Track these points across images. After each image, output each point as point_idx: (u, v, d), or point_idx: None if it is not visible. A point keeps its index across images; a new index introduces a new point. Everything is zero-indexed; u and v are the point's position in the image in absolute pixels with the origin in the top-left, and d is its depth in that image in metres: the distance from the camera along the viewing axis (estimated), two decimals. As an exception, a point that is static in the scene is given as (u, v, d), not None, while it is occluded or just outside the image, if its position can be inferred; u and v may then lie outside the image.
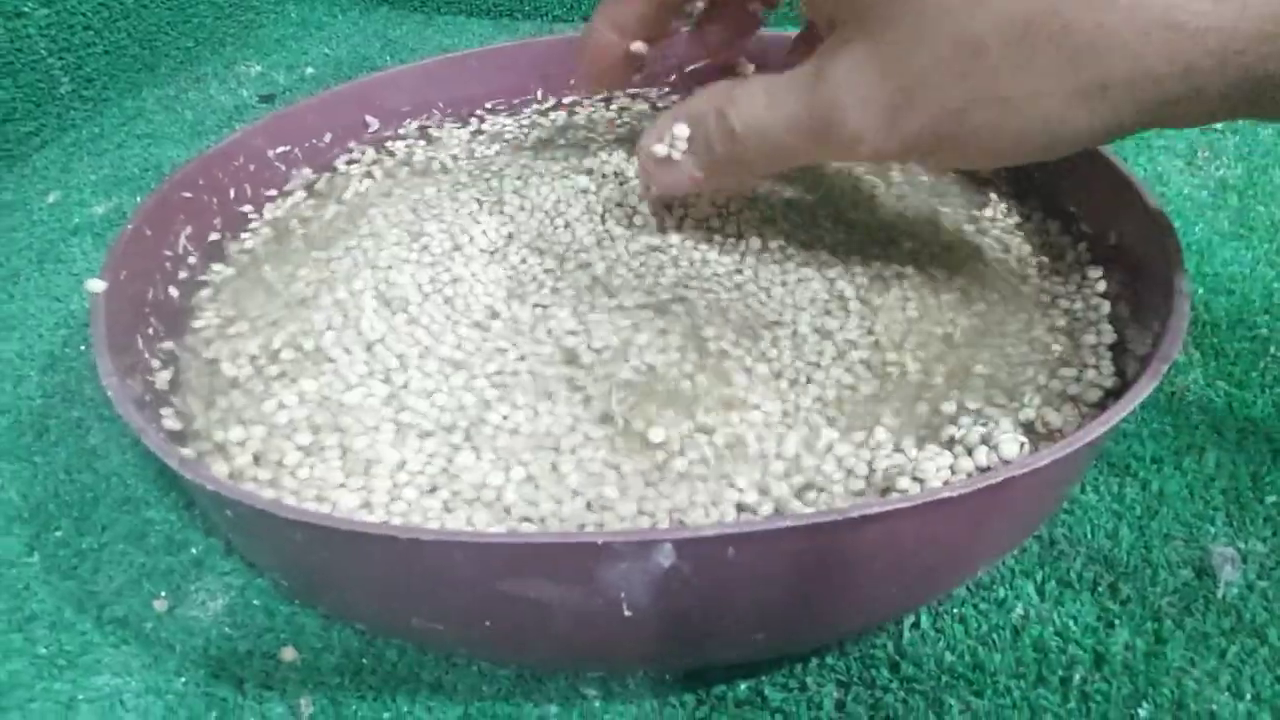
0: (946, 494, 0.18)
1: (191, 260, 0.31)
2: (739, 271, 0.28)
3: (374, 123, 0.39)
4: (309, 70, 0.56)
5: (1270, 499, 0.26)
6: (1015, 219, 0.32)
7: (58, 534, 0.27)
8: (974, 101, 0.21)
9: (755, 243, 0.29)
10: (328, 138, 0.37)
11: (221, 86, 0.54)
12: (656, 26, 0.30)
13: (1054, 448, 0.19)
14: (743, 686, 0.22)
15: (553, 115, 0.40)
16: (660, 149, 0.26)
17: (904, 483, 0.21)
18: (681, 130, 0.26)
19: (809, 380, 0.24)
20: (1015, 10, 0.20)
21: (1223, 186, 0.40)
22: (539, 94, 0.42)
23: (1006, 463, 0.21)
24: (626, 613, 0.19)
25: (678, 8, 0.30)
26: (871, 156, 0.23)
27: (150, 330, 0.28)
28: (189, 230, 0.31)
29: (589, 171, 0.33)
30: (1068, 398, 0.23)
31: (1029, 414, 0.23)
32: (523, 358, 0.26)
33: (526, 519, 0.21)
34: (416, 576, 0.19)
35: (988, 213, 0.32)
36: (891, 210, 0.31)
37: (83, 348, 0.34)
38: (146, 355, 0.27)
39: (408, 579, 0.19)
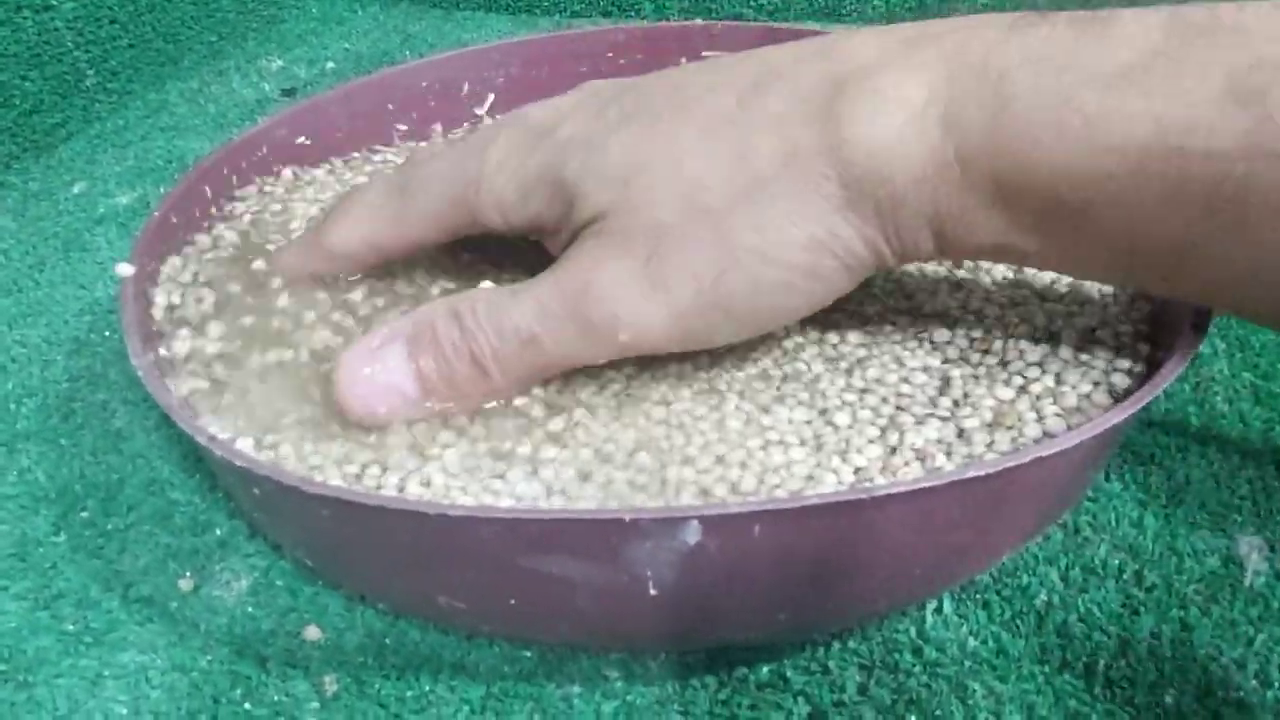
0: (971, 473, 0.18)
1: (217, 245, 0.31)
2: None
3: (399, 114, 0.39)
4: (330, 65, 0.57)
5: (1297, 489, 0.26)
6: None
7: (84, 514, 0.27)
8: (729, 262, 0.21)
9: None
10: (354, 129, 0.38)
11: (244, 80, 0.55)
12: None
13: (1074, 431, 0.19)
14: (764, 669, 0.22)
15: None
16: (365, 359, 0.22)
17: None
18: (399, 327, 0.23)
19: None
20: (738, 178, 0.21)
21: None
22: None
23: (1036, 442, 0.21)
24: (652, 591, 0.19)
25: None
26: (639, 343, 0.22)
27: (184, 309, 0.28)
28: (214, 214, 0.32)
29: None
30: (1096, 384, 0.23)
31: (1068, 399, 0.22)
32: None
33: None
34: (443, 553, 0.19)
35: None
36: None
37: (108, 333, 0.35)
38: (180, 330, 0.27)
39: (434, 555, 0.19)
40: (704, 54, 0.40)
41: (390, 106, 0.38)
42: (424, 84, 0.39)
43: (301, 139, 0.36)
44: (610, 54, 0.41)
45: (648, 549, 0.18)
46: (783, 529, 0.18)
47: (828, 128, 0.20)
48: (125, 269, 0.26)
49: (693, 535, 0.18)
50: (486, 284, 0.24)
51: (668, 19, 0.62)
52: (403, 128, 0.39)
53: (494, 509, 0.18)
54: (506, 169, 0.24)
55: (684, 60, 0.41)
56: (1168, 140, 0.18)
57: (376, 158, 0.38)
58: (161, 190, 0.44)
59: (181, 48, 0.55)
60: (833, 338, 0.25)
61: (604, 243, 0.22)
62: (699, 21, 0.42)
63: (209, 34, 0.56)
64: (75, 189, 0.44)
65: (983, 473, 0.18)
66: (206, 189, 0.32)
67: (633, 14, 0.62)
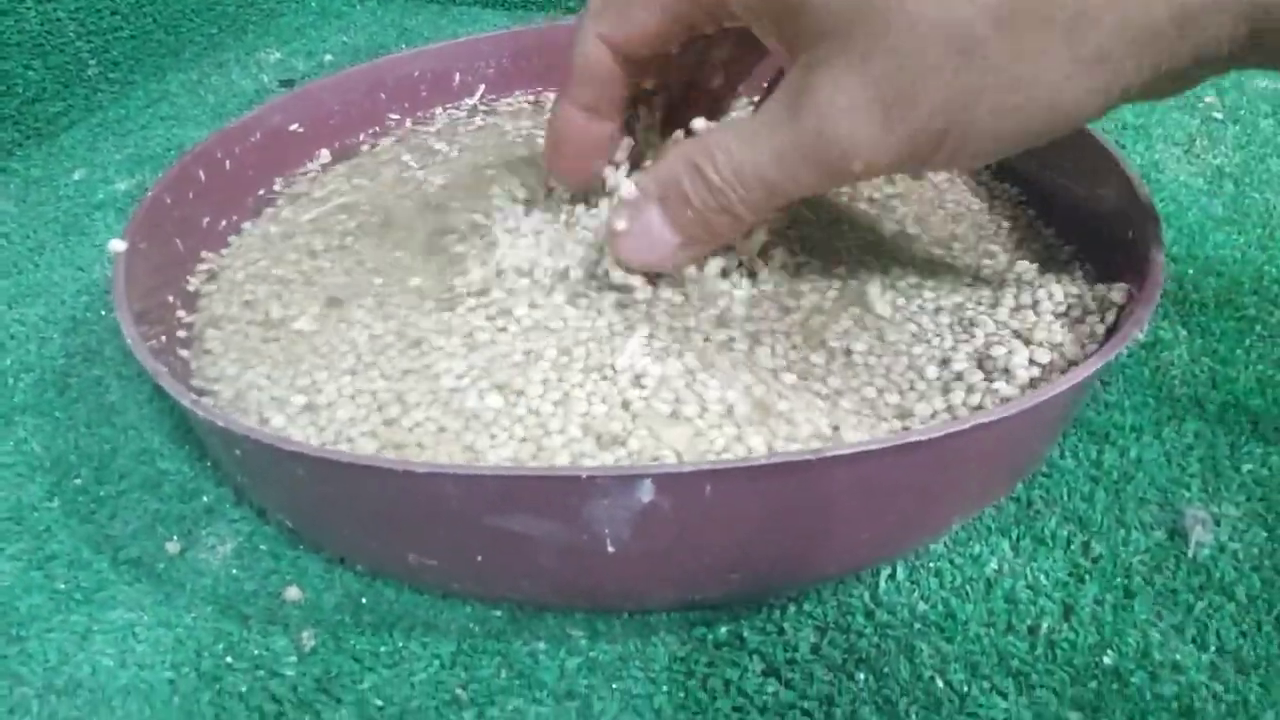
0: (913, 438, 0.19)
1: (208, 228, 0.32)
2: None
3: (392, 103, 0.40)
4: (328, 57, 0.58)
5: (1247, 467, 0.27)
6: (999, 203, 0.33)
7: (77, 482, 0.28)
8: (970, 92, 0.20)
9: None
10: (345, 117, 0.39)
11: (243, 72, 0.56)
12: (626, 108, 0.28)
13: (1018, 399, 0.20)
14: (723, 629, 0.23)
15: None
16: (622, 224, 0.25)
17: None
18: (648, 189, 0.24)
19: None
20: (999, 4, 0.19)
21: (1219, 174, 0.41)
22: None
23: (977, 409, 0.22)
24: (610, 548, 0.20)
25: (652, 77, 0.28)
26: (867, 171, 0.22)
27: (167, 288, 0.29)
28: (206, 199, 0.33)
29: None
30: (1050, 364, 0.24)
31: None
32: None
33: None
34: (411, 510, 0.20)
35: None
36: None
37: (103, 313, 0.36)
38: (163, 310, 0.28)
39: (403, 513, 0.20)
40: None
41: (382, 95, 0.39)
42: (415, 73, 0.40)
43: (295, 126, 0.37)
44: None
45: (604, 506, 0.19)
46: (732, 489, 0.19)
47: None
48: (118, 245, 0.27)
49: (646, 494, 0.19)
50: (699, 123, 0.25)
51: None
52: (395, 116, 0.41)
53: (457, 466, 0.19)
54: None
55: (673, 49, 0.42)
56: None
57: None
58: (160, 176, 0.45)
59: (182, 39, 0.56)
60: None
61: (840, 73, 0.21)
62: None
63: (209, 26, 0.57)
64: (76, 175, 0.46)
65: (924, 437, 0.19)
66: (200, 173, 0.33)
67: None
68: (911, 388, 0.24)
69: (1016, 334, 0.25)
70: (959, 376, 0.24)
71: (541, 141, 0.38)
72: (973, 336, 0.25)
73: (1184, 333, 0.32)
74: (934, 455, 0.20)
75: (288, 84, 0.55)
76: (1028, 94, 0.20)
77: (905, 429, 0.23)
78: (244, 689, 0.22)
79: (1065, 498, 0.26)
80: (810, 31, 0.21)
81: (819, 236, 0.30)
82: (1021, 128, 0.21)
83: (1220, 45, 0.19)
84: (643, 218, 0.24)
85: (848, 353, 0.25)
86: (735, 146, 0.23)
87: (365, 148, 0.39)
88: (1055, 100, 0.20)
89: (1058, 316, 0.25)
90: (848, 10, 0.20)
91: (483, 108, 0.42)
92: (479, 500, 0.19)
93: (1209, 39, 0.19)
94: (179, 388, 0.22)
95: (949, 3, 0.19)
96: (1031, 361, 0.24)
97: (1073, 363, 0.24)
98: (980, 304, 0.27)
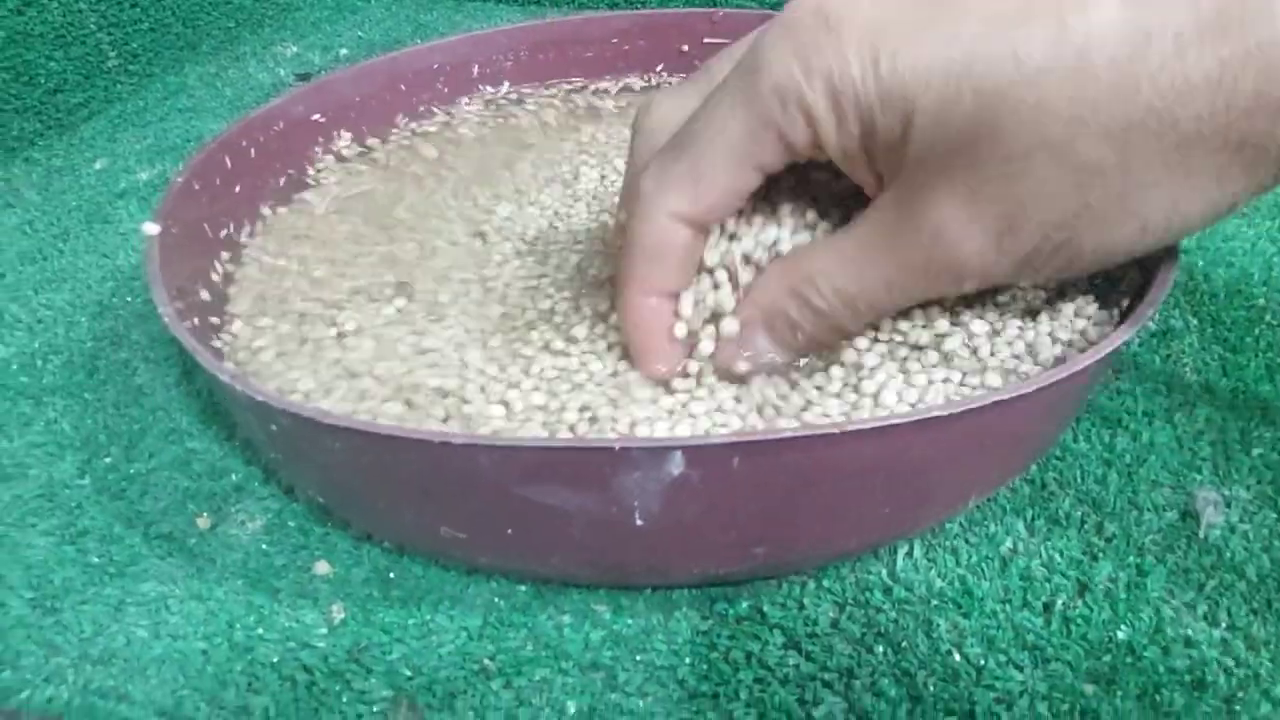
0: (936, 412, 0.19)
1: (237, 210, 0.33)
2: None
3: (411, 94, 0.41)
4: (343, 52, 0.58)
5: (1257, 451, 0.27)
6: None
7: (107, 460, 0.29)
8: (1083, 214, 0.20)
9: None
10: (366, 107, 0.39)
11: (259, 65, 0.57)
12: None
13: (1033, 379, 0.20)
14: (744, 604, 0.24)
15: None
16: (744, 365, 0.24)
17: None
18: (753, 318, 0.24)
19: None
20: (1114, 121, 0.18)
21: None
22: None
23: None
24: (638, 521, 0.20)
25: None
26: (977, 285, 0.22)
27: (196, 271, 0.30)
28: (234, 185, 0.33)
29: None
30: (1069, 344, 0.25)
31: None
32: None
33: None
34: (446, 482, 0.21)
35: None
36: None
37: (129, 298, 0.36)
38: (192, 292, 0.29)
39: (438, 484, 0.21)
40: (705, 40, 0.42)
41: (402, 87, 0.40)
42: (434, 66, 0.41)
43: (317, 116, 0.38)
44: (615, 39, 0.43)
45: (635, 479, 0.19)
46: (760, 461, 0.19)
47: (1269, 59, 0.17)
48: (151, 227, 0.28)
49: (676, 466, 0.19)
50: (786, 235, 0.23)
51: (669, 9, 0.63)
52: (417, 107, 0.41)
53: (492, 438, 0.19)
54: (819, 73, 0.20)
55: (685, 47, 0.43)
56: None
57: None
58: (180, 166, 0.45)
59: (200, 32, 0.56)
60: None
61: (948, 200, 0.20)
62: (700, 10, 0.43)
63: (226, 20, 0.58)
64: (97, 165, 0.46)
65: (946, 412, 0.19)
66: (226, 159, 0.34)
67: (639, 4, 0.64)
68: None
69: (1037, 313, 0.26)
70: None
71: (553, 125, 0.39)
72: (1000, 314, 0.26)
73: (1194, 321, 0.33)
74: (956, 430, 0.20)
75: (304, 78, 0.55)
76: (1141, 214, 0.20)
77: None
78: (276, 659, 0.23)
79: (1079, 480, 0.27)
80: (912, 160, 0.20)
81: None
82: (1134, 243, 0.21)
83: None
84: (752, 346, 0.24)
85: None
86: (838, 272, 0.22)
87: (388, 138, 0.40)
88: (1170, 218, 0.20)
89: (1078, 297, 0.26)
90: (953, 138, 0.19)
91: (502, 100, 0.42)
92: (512, 472, 0.20)
93: None
94: (216, 362, 0.22)
95: (1064, 129, 0.19)
96: (1054, 339, 0.25)
97: (1091, 343, 0.24)
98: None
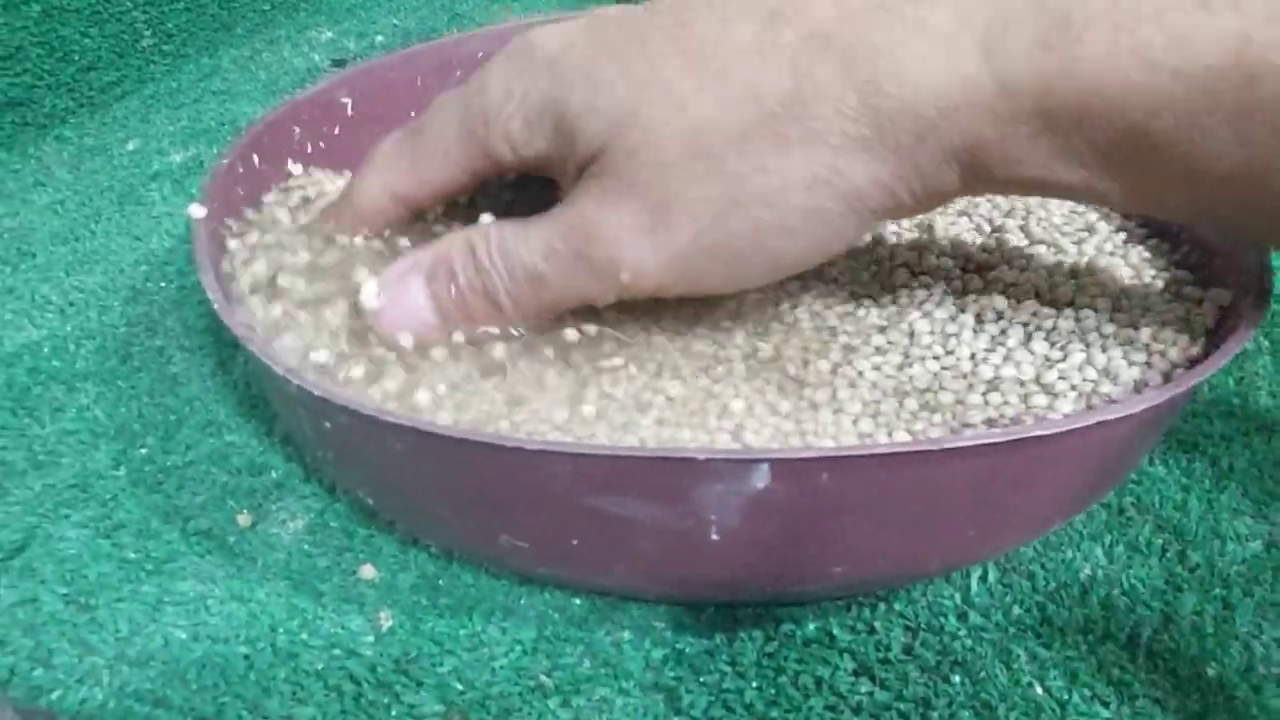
0: (1033, 432, 0.18)
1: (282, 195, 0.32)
2: None
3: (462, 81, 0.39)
4: (379, 38, 0.57)
5: (1340, 481, 0.26)
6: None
7: (143, 451, 0.28)
8: (731, 204, 0.21)
9: None
10: (409, 93, 0.38)
11: (294, 50, 0.56)
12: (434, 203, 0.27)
13: (1112, 407, 0.19)
14: (811, 626, 0.22)
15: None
16: (375, 300, 0.23)
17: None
18: (421, 261, 0.24)
19: None
20: (745, 117, 0.20)
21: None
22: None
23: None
24: (714, 535, 0.19)
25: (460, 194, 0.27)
26: (635, 283, 0.22)
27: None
28: (278, 168, 0.32)
29: None
30: (1149, 367, 0.23)
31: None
32: None
33: None
34: (513, 488, 0.20)
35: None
36: None
37: (163, 283, 0.35)
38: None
39: (504, 491, 0.20)
40: None
41: (459, 73, 0.39)
42: (480, 54, 0.40)
43: (355, 100, 0.37)
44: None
45: (717, 491, 0.18)
46: (849, 477, 0.18)
47: (848, 59, 0.20)
48: (198, 210, 0.27)
49: (762, 479, 0.18)
50: (487, 217, 0.24)
51: None
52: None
53: (569, 444, 0.18)
54: (513, 100, 0.23)
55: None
56: (1251, 58, 0.17)
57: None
58: (214, 150, 0.45)
59: (235, 14, 0.55)
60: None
61: (606, 183, 0.22)
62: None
63: (262, 2, 0.57)
64: (130, 146, 0.45)
65: (1043, 432, 0.18)
66: (267, 140, 0.33)
67: None
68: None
69: (1115, 337, 0.24)
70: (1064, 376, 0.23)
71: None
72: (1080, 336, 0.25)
73: (1267, 344, 0.32)
74: (1049, 450, 0.19)
75: (339, 63, 0.54)
76: (782, 207, 0.21)
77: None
78: (321, 666, 0.22)
79: (1158, 505, 0.25)
80: (584, 155, 0.22)
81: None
82: (786, 245, 0.21)
83: (947, 170, 0.20)
84: (405, 283, 0.24)
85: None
86: (509, 234, 0.23)
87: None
88: (810, 216, 0.21)
89: (1160, 319, 0.24)
90: (609, 127, 0.21)
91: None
92: (586, 480, 0.19)
93: (939, 154, 0.20)
94: (270, 354, 0.21)
95: (686, 115, 0.20)
96: (1130, 363, 0.23)
97: (1175, 365, 0.23)
98: (1084, 306, 0.26)
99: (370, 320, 0.24)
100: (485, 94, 0.23)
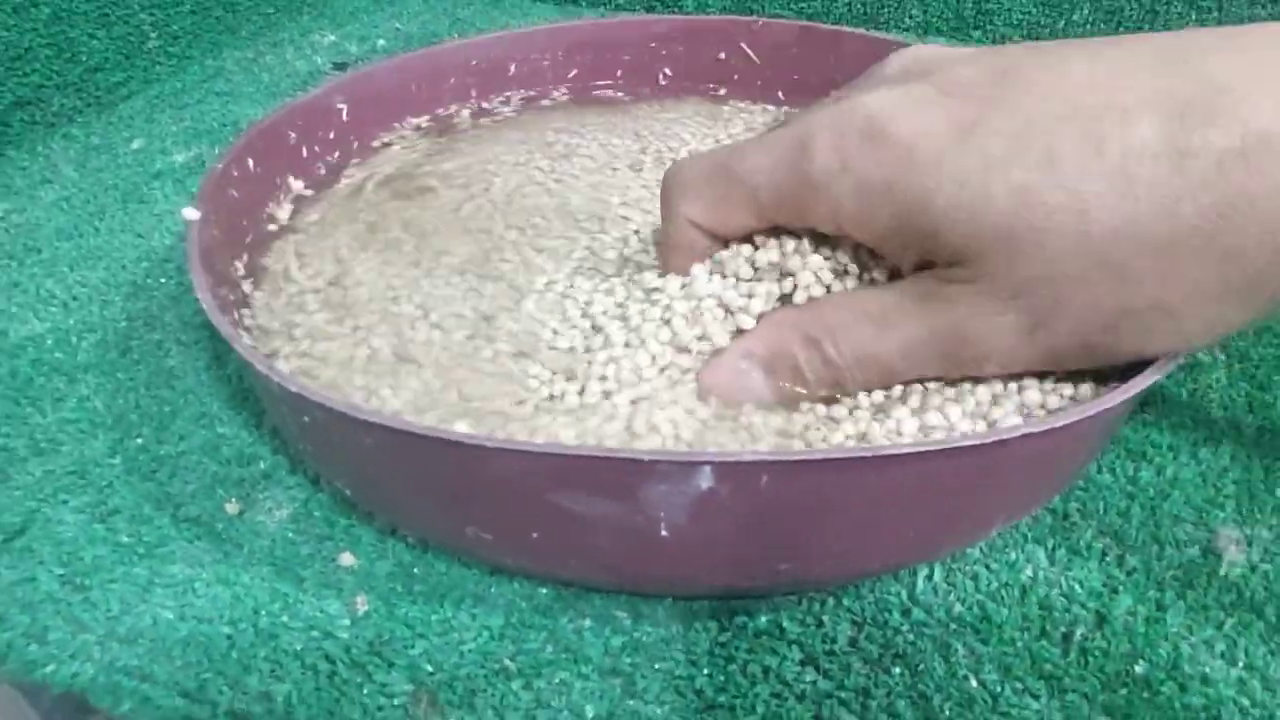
0: (965, 443, 0.20)
1: (278, 197, 0.33)
2: None
3: (454, 88, 0.41)
4: (380, 43, 0.59)
5: (1280, 492, 0.27)
6: None
7: (138, 441, 0.29)
8: (1123, 314, 0.20)
9: None
10: (402, 98, 0.40)
11: (297, 53, 0.57)
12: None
13: (1056, 416, 0.20)
14: (763, 618, 0.24)
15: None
16: (720, 378, 0.24)
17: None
18: (755, 353, 0.24)
19: None
20: (1156, 237, 0.19)
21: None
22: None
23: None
24: (664, 532, 0.21)
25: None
26: (999, 372, 0.22)
27: (232, 258, 0.30)
28: (274, 171, 0.34)
29: None
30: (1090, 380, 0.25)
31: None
32: None
33: None
34: (475, 484, 0.21)
35: None
36: None
37: (163, 280, 0.37)
38: (227, 278, 0.29)
39: (467, 486, 0.21)
40: (742, 45, 0.42)
41: (452, 80, 0.40)
42: (473, 62, 0.41)
43: (350, 106, 0.38)
44: (653, 44, 0.43)
45: (663, 491, 0.20)
46: (787, 480, 0.20)
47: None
48: (191, 213, 0.28)
49: (705, 480, 0.19)
50: (810, 279, 0.24)
51: (708, 15, 0.63)
52: (455, 100, 0.41)
53: (524, 443, 0.20)
54: (849, 176, 0.21)
55: (723, 54, 0.43)
56: None
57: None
58: (216, 150, 0.46)
59: (239, 17, 0.57)
60: None
61: (980, 292, 0.20)
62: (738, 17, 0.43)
63: (266, 6, 0.59)
64: (134, 145, 0.47)
65: (976, 442, 0.20)
66: (262, 144, 0.34)
67: (674, 8, 0.64)
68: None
69: None
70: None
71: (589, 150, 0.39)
72: None
73: (1222, 358, 0.33)
74: (983, 459, 0.20)
75: (340, 67, 0.56)
76: (1174, 318, 0.20)
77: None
78: (299, 647, 0.23)
79: (1102, 511, 0.27)
80: (942, 253, 0.21)
81: None
82: (1165, 346, 0.21)
83: None
84: (743, 372, 0.24)
85: None
86: (857, 330, 0.22)
87: (430, 130, 0.40)
88: (1202, 324, 0.20)
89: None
90: (984, 236, 0.20)
91: (535, 98, 0.43)
92: (542, 477, 0.20)
93: None
94: (254, 353, 0.23)
95: (1106, 239, 0.19)
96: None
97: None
98: None
99: (707, 391, 0.24)
100: (811, 160, 0.22)
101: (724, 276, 0.25)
